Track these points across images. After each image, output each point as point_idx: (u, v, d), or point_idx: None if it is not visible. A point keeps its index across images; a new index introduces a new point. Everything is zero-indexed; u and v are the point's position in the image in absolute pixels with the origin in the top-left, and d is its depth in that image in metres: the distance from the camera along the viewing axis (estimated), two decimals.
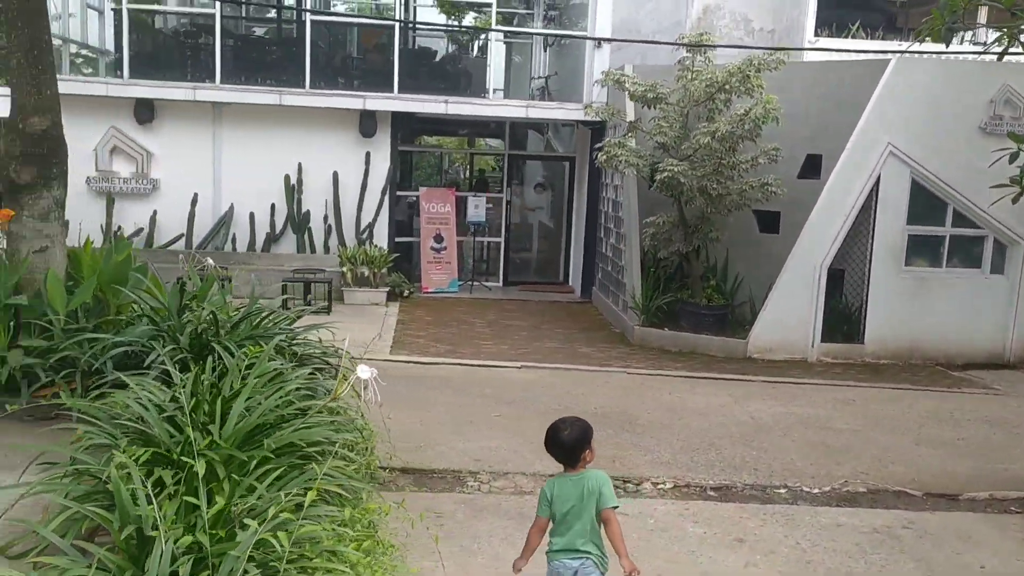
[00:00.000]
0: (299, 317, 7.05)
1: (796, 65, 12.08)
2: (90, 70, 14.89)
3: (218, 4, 14.02)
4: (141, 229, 14.19)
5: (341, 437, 4.22)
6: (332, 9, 17.50)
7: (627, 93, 11.66)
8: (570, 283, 16.50)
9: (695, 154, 11.24)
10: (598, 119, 13.22)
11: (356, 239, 14.55)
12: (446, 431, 7.51)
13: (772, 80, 10.91)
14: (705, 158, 11.18)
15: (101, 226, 13.93)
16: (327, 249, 14.31)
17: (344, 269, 13.81)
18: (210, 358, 4.91)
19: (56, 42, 13.61)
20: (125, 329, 5.76)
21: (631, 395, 9.10)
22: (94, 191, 14.06)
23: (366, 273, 13.81)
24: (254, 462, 3.47)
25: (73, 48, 14.71)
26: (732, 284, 12.45)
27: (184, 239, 14.20)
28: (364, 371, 4.13)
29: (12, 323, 5.75)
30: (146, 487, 2.91)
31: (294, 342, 6.30)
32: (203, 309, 5.89)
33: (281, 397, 4.24)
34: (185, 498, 3.02)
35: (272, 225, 14.50)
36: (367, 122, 14.35)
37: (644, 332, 11.77)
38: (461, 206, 15.96)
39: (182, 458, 3.28)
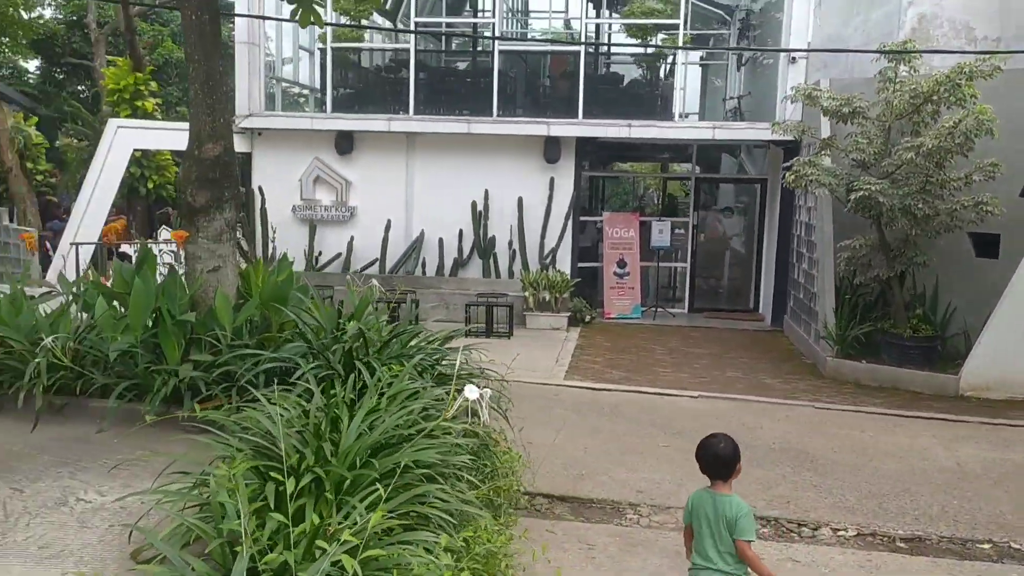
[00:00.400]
0: (450, 338, 7.09)
1: (1020, 73, 10.84)
2: (305, 106, 16.05)
3: (412, 38, 14.69)
4: (339, 254, 15.03)
5: (458, 459, 4.11)
6: (524, 38, 17.90)
7: (820, 109, 10.95)
8: (760, 311, 15.70)
9: (897, 171, 10.33)
10: (788, 138, 12.53)
11: (540, 264, 14.63)
12: (610, 460, 7.27)
13: (989, 90, 9.84)
14: (909, 175, 10.25)
15: (304, 251, 14.90)
16: (511, 274, 14.48)
17: (526, 294, 13.91)
18: (352, 375, 5.00)
19: (271, 82, 14.82)
20: (283, 346, 6.01)
21: (816, 431, 8.41)
22: (299, 219, 15.08)
23: (547, 298, 13.83)
24: (368, 479, 3.45)
25: (285, 85, 15.96)
26: (943, 314, 11.29)
27: (378, 263, 14.88)
28: (472, 392, 4.01)
29: (185, 338, 6.15)
30: (234, 500, 2.94)
31: (441, 362, 6.31)
32: (351, 327, 6.03)
33: (404, 417, 4.21)
34: (272, 515, 3.02)
35: (460, 250, 14.89)
36: (551, 148, 14.45)
37: (837, 364, 10.91)
38: (645, 231, 15.66)
39: (298, 474, 3.30)
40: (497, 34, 15.35)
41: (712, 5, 17.73)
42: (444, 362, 6.41)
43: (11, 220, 17.68)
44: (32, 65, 28.91)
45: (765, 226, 15.55)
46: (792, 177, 10.71)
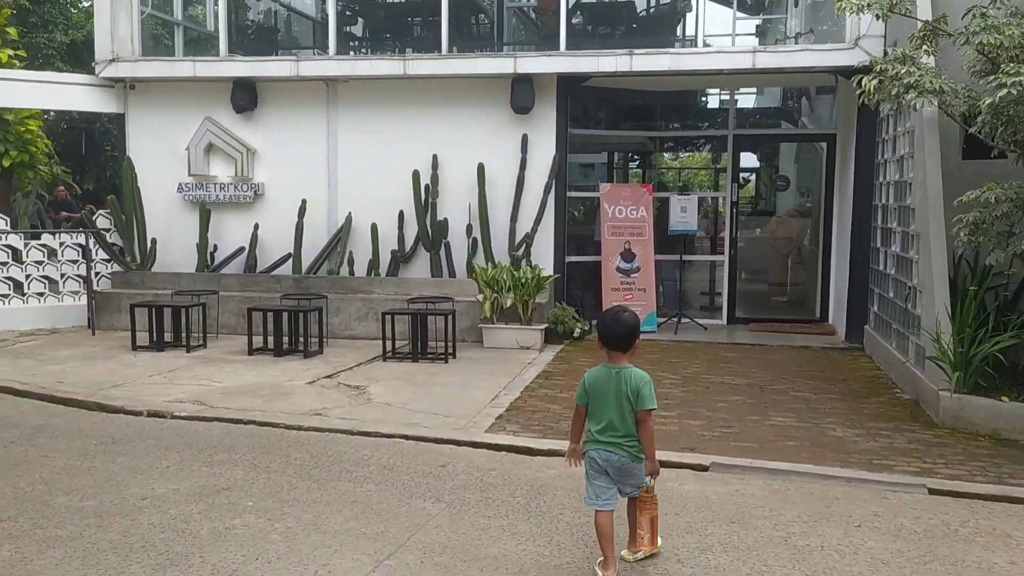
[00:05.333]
0: None
1: None
2: (196, 51, 12.12)
3: None
4: (241, 248, 11.05)
5: None
6: None
7: None
8: (829, 320, 11.13)
9: None
10: (869, 59, 8.10)
11: (511, 256, 10.40)
12: None
13: None
14: None
15: (196, 246, 10.98)
16: (472, 271, 10.25)
17: (479, 298, 9.69)
18: None
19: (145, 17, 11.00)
20: None
21: (937, 558, 3.99)
22: (187, 201, 11.18)
23: (509, 304, 9.58)
24: None
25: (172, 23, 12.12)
26: None
27: (292, 261, 10.86)
28: None
29: None
30: None
31: None
32: None
33: None
34: None
35: (400, 240, 10.77)
36: (521, 92, 10.25)
37: (959, 403, 6.39)
38: (663, 212, 11.31)
39: None
40: None
41: None
42: None
43: None
44: None
45: (834, 201, 11.02)
46: (874, 82, 6.26)
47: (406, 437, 6.05)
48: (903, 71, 5.97)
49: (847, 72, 9.58)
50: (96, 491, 4.81)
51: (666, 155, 15.16)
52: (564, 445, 5.97)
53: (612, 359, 3.77)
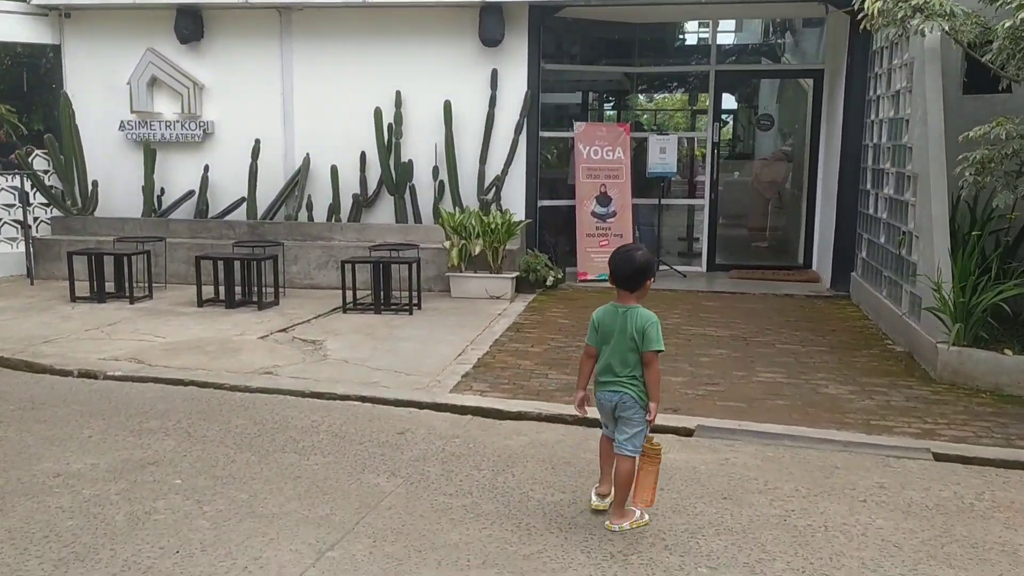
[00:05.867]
0: None
1: None
2: None
3: None
4: (191, 192, 10.32)
5: None
6: None
7: None
8: (813, 267, 10.68)
9: None
10: None
11: (479, 200, 9.78)
12: None
13: None
14: None
15: (141, 189, 10.22)
16: (438, 216, 9.61)
17: (446, 244, 9.09)
18: None
19: None
20: None
21: (954, 539, 3.53)
22: (131, 140, 10.39)
23: (478, 251, 8.99)
24: None
25: None
26: None
27: (246, 205, 10.15)
28: None
29: None
30: None
31: None
32: None
33: None
34: None
35: (362, 183, 10.08)
36: (490, 22, 9.51)
37: (960, 356, 5.95)
38: (640, 153, 10.72)
39: None
40: None
41: None
42: None
43: None
44: None
45: (821, 139, 10.47)
46: (878, 4, 5.64)
47: (363, 399, 5.51)
48: None
49: (838, 1, 8.96)
50: (2, 466, 4.22)
51: (642, 96, 14.46)
52: (535, 406, 5.47)
53: (620, 298, 3.63)
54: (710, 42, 11.08)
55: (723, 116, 11.66)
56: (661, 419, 5.12)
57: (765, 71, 12.52)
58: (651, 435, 3.62)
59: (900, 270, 7.34)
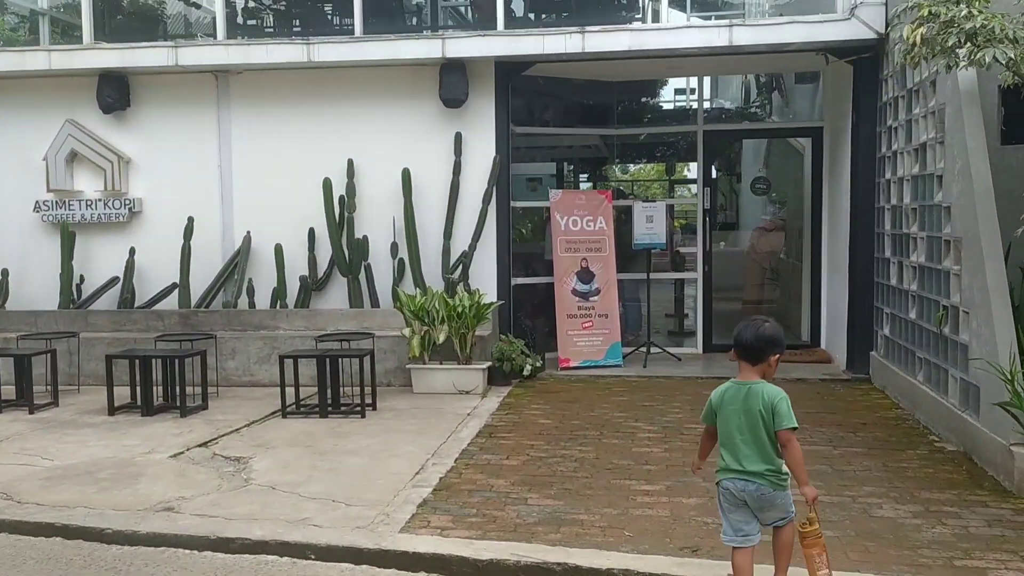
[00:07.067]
0: None
1: None
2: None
3: None
4: (115, 279, 9.05)
5: None
6: None
7: None
8: (822, 344, 9.51)
9: None
10: (872, 36, 6.62)
11: (444, 279, 8.59)
12: None
13: None
14: None
15: (60, 276, 8.94)
16: (397, 298, 8.38)
17: (406, 332, 7.84)
18: None
19: None
20: None
21: None
22: (47, 222, 9.16)
23: (443, 339, 7.74)
24: None
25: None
26: None
27: (178, 292, 8.89)
28: None
29: None
30: None
31: None
32: None
33: None
34: None
35: (311, 263, 8.88)
36: (452, 80, 8.48)
37: None
38: (624, 219, 9.64)
39: None
40: None
41: None
42: None
43: None
44: None
45: (824, 204, 9.45)
46: (920, 31, 4.56)
47: (284, 547, 4.18)
48: (962, 13, 4.31)
49: (840, 50, 8.05)
50: None
51: (620, 163, 13.50)
52: (512, 550, 4.14)
53: (741, 372, 3.40)
54: (696, 101, 10.12)
55: (719, 176, 10.64)
56: (678, 567, 3.86)
57: (758, 130, 11.58)
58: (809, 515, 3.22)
59: (942, 351, 6.17)
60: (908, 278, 7.00)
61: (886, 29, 7.57)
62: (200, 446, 6.11)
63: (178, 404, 7.14)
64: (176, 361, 7.22)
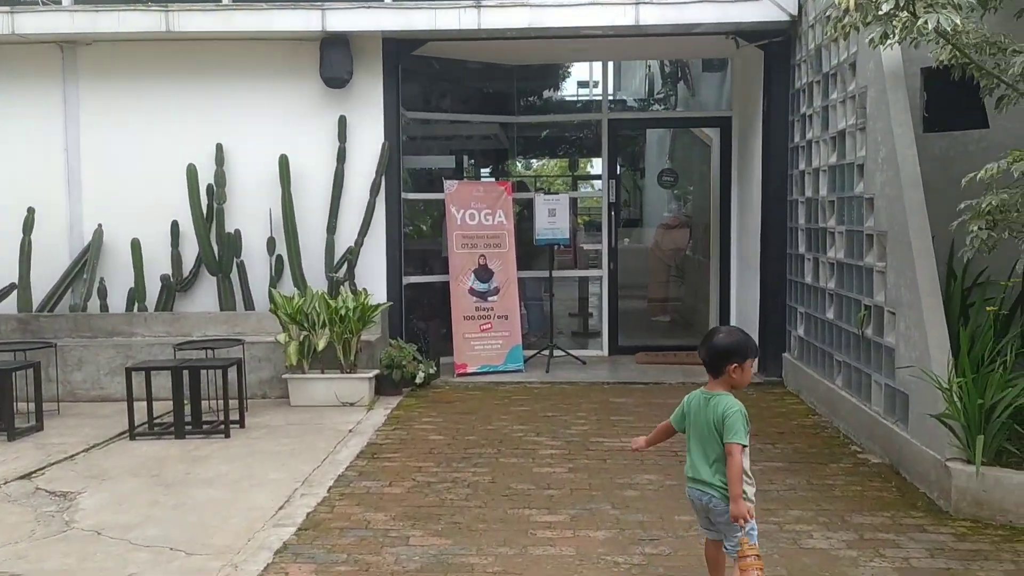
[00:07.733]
0: None
1: None
2: None
3: None
4: None
5: None
6: None
7: None
8: None
9: None
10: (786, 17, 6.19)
11: (328, 278, 7.73)
12: None
13: None
14: None
15: None
16: (273, 300, 7.45)
17: (281, 338, 6.96)
18: None
19: None
20: None
21: None
22: None
23: (324, 345, 6.91)
24: None
25: None
26: None
27: (17, 294, 7.74)
28: None
29: None
30: None
31: None
32: None
33: None
34: None
35: (175, 261, 7.88)
36: (335, 58, 7.63)
37: (987, 481, 4.27)
38: (525, 214, 8.99)
39: None
40: None
41: None
42: None
43: None
44: None
45: (733, 198, 9.02)
46: (849, 2, 4.01)
47: None
48: None
49: (751, 33, 7.59)
50: None
51: (522, 152, 12.85)
52: None
53: (708, 382, 3.29)
54: (600, 95, 9.52)
55: (623, 170, 10.09)
56: None
57: (666, 119, 11.11)
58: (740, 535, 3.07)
59: (864, 354, 5.73)
60: (825, 275, 6.56)
61: (799, 12, 7.15)
62: (22, 478, 5.12)
63: (3, 427, 6.08)
64: (4, 375, 6.15)
